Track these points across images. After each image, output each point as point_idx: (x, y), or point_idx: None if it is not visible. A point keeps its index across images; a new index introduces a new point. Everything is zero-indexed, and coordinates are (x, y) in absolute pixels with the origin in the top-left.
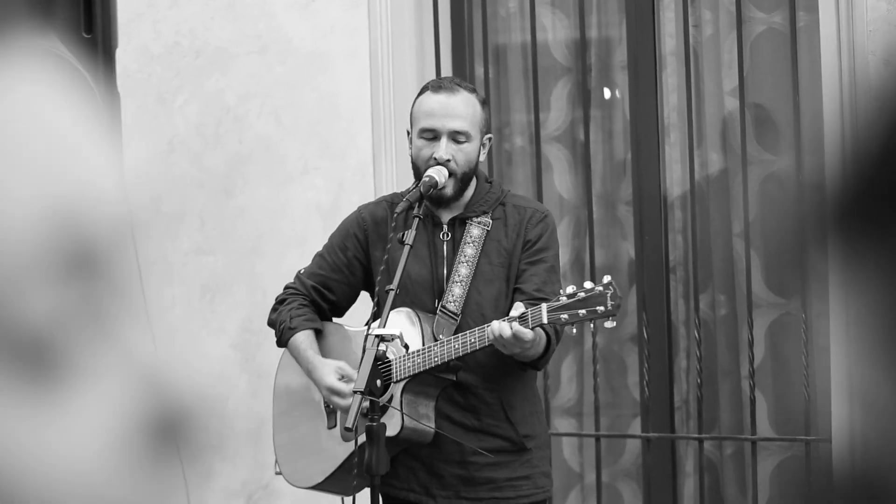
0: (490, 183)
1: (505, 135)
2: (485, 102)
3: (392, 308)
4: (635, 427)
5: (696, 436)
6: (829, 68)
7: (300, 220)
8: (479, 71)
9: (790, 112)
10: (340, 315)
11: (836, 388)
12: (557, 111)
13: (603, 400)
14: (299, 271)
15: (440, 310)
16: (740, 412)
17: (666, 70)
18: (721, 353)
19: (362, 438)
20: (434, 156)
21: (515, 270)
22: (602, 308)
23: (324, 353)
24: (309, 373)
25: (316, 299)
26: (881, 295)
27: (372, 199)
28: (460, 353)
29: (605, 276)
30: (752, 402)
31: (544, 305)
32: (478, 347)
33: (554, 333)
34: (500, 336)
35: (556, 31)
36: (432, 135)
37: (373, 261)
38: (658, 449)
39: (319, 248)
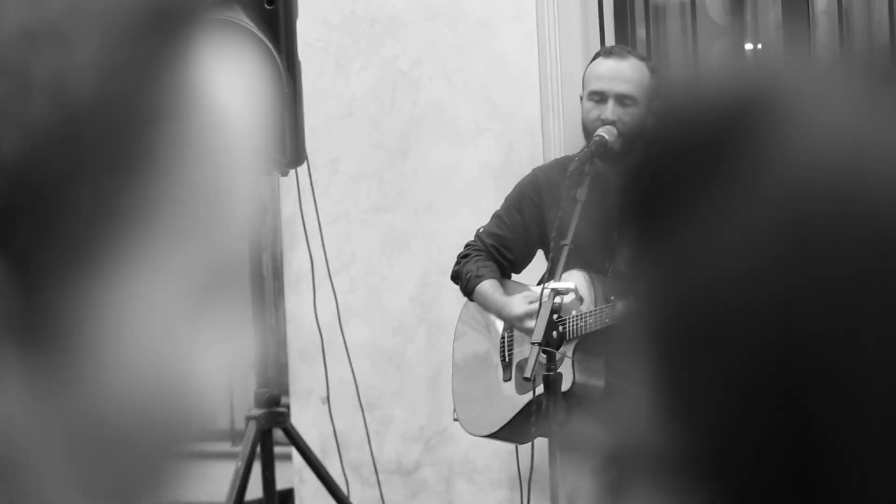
0: None
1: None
2: (655, 70)
3: (566, 269)
4: None
5: None
6: None
7: (472, 180)
8: (641, 32)
9: None
10: (518, 272)
11: None
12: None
13: None
14: (478, 230)
15: (612, 271)
16: None
17: (818, 28)
18: None
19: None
20: (601, 117)
21: None
22: None
23: None
24: (499, 312)
25: (495, 257)
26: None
27: (541, 158)
28: None
29: None
30: None
31: None
32: None
33: None
34: None
35: None
36: (600, 97)
37: (547, 222)
38: None
39: (491, 205)
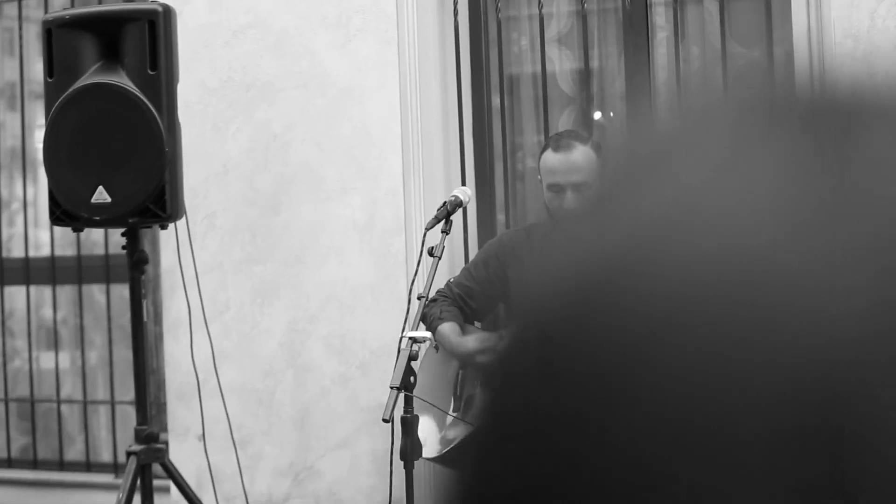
0: None
1: (518, 157)
2: (599, 146)
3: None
4: None
5: None
6: None
7: (338, 234)
8: (496, 100)
9: None
10: (480, 320)
11: None
12: None
13: None
14: (449, 280)
15: None
16: None
17: (659, 99)
18: None
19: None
20: (563, 206)
21: None
22: None
23: None
24: (453, 350)
25: (460, 304)
26: None
27: (402, 215)
28: None
29: None
30: None
31: None
32: None
33: None
34: None
35: (562, 65)
36: (558, 188)
37: (509, 278)
38: None
39: (356, 258)
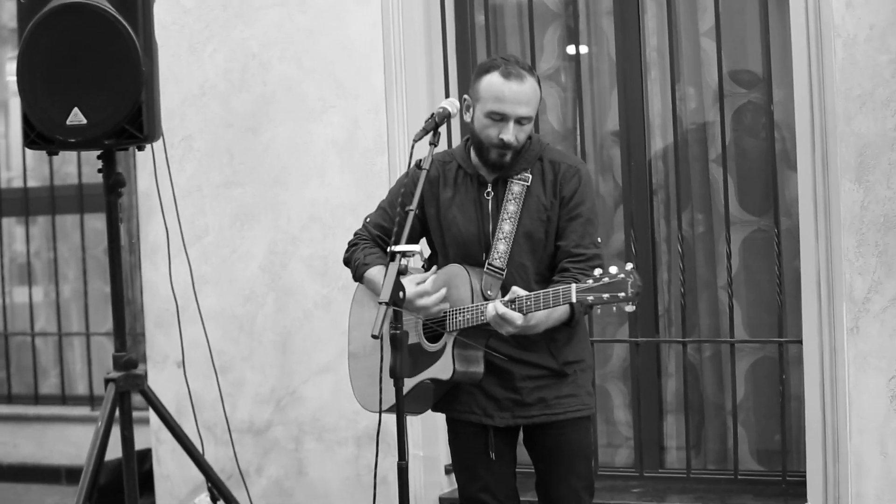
0: (530, 139)
1: None
2: (538, 79)
3: (446, 263)
4: (623, 333)
5: (678, 339)
6: (797, 9)
7: (319, 154)
8: (480, 19)
9: (760, 51)
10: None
11: (807, 294)
12: (549, 53)
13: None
14: (366, 219)
15: (487, 266)
16: (718, 318)
17: (647, 14)
18: (700, 265)
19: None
20: (501, 136)
21: (555, 225)
22: (623, 294)
23: None
24: None
25: (381, 245)
26: None
27: (385, 134)
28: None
29: (628, 264)
30: (730, 308)
31: (573, 286)
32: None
33: (580, 305)
34: (489, 315)
35: None
36: (500, 117)
37: (428, 215)
38: (644, 352)
39: (337, 179)
